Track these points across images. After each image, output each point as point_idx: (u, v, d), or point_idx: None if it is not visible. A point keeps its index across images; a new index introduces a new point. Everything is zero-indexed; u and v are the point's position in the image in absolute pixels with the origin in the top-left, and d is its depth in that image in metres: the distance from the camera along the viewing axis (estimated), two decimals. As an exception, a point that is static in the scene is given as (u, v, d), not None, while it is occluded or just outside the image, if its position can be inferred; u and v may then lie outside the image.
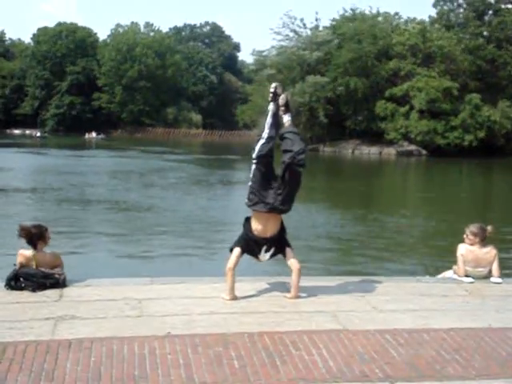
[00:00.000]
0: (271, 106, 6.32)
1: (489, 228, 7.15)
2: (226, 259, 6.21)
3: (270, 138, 6.11)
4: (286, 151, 6.08)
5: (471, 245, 7.11)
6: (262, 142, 6.09)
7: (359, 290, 6.52)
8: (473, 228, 7.12)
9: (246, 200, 6.13)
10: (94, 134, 78.39)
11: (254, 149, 6.12)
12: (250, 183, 6.12)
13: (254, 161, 6.08)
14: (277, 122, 6.23)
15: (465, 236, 7.18)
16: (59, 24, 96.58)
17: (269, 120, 6.19)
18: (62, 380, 4.14)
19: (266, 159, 6.06)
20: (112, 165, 38.62)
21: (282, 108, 6.32)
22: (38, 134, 78.00)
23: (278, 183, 6.02)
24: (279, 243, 6.15)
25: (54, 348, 4.63)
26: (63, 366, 4.33)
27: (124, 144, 62.48)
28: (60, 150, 52.06)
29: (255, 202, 6.03)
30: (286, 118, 6.33)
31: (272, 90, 6.35)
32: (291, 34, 66.00)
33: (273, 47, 66.41)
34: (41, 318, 5.31)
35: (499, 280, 7.05)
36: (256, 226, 6.08)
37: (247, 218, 6.20)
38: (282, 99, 6.32)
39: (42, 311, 5.48)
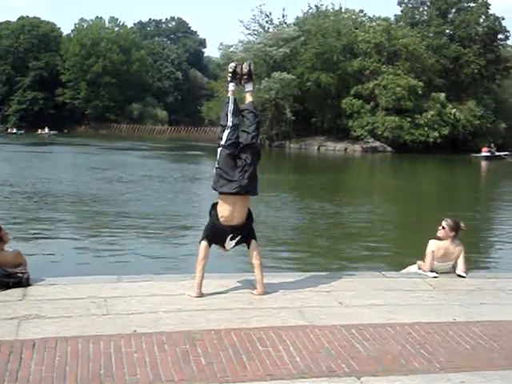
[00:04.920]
0: (231, 87, 6.32)
1: (462, 224, 7.28)
2: (192, 255, 6.20)
3: (234, 126, 6.11)
4: (243, 131, 6.14)
5: (443, 238, 7.21)
6: (227, 130, 6.08)
7: (325, 286, 6.56)
8: (451, 222, 7.23)
9: (213, 183, 6.12)
10: (46, 130, 76.55)
11: (220, 137, 6.12)
12: (216, 166, 6.10)
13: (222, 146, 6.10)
14: (237, 108, 6.23)
15: (440, 228, 7.26)
16: (21, 18, 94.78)
17: (230, 108, 6.18)
18: (26, 380, 4.07)
19: (234, 144, 6.07)
20: (73, 161, 38.16)
21: (245, 77, 6.31)
22: (14, 131, 76.45)
23: (242, 164, 6.02)
24: (246, 232, 6.13)
25: (18, 348, 4.56)
26: (27, 367, 4.26)
27: (85, 140, 61.65)
28: (17, 146, 51.16)
29: (222, 184, 6.01)
30: (248, 88, 6.31)
31: (231, 69, 6.33)
32: (259, 30, 66.12)
33: (240, 42, 66.37)
34: (4, 317, 5.21)
35: (464, 274, 7.16)
36: (223, 213, 6.03)
37: (214, 205, 6.16)
38: (244, 67, 6.30)
39: (6, 311, 5.38)
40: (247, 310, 5.65)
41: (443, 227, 7.24)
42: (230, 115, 6.13)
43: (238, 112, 6.20)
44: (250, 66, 6.34)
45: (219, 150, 6.10)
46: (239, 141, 6.09)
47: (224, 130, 6.10)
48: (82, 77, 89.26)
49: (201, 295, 6.01)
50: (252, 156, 6.07)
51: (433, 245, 7.21)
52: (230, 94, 6.29)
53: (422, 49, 59.61)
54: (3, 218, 14.72)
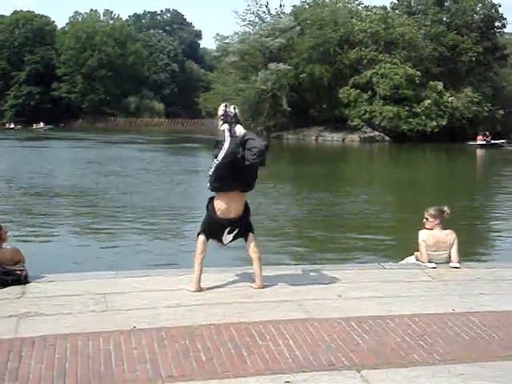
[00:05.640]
0: (224, 127, 6.11)
1: (446, 209, 7.26)
2: (191, 249, 6.20)
3: (233, 144, 5.97)
4: (252, 148, 5.97)
5: (431, 228, 7.21)
6: (224, 151, 5.91)
7: (324, 279, 6.55)
8: (431, 211, 7.23)
9: (208, 185, 6.08)
10: (41, 125, 76.27)
11: (216, 155, 5.95)
12: (211, 170, 6.00)
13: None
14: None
15: (424, 220, 7.28)
16: (16, 12, 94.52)
17: (227, 133, 6.03)
18: (26, 378, 4.06)
19: (231, 163, 5.91)
20: (69, 155, 38.07)
21: (233, 120, 6.18)
22: (12, 126, 76.27)
23: (240, 172, 5.92)
24: (243, 225, 6.12)
25: (18, 346, 4.55)
26: (27, 364, 4.26)
27: (81, 134, 61.47)
28: (14, 141, 51.10)
29: (217, 188, 6.00)
30: (239, 129, 6.14)
31: (222, 111, 6.16)
32: (255, 20, 65.98)
33: (236, 33, 66.23)
34: (3, 315, 5.21)
35: (458, 265, 7.14)
36: (219, 206, 6.02)
37: (211, 198, 6.14)
38: (230, 114, 6.18)
39: (5, 309, 5.38)
40: (246, 304, 5.65)
41: (426, 218, 7.25)
42: (227, 136, 5.98)
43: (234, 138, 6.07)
44: (234, 110, 6.19)
45: (214, 165, 5.95)
46: (247, 158, 5.91)
47: (220, 150, 5.94)
48: (78, 70, 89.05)
49: (199, 289, 6.01)
50: (256, 170, 6.03)
51: (423, 234, 7.21)
52: (226, 133, 6.07)
53: (419, 37, 59.46)
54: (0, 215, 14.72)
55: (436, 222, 7.19)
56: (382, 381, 4.13)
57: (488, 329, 5.13)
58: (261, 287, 6.13)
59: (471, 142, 51.31)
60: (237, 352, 4.54)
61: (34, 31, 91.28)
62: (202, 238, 6.06)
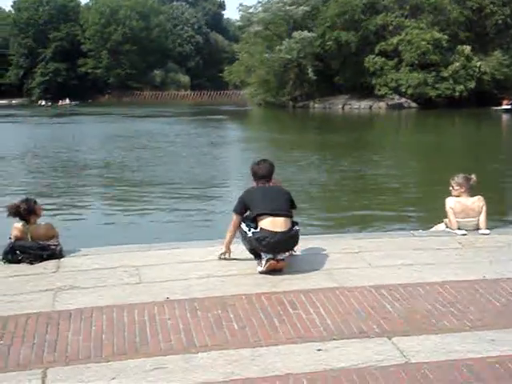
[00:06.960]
0: None
1: (473, 177, 7.20)
2: (222, 221, 6.26)
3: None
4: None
5: (458, 196, 7.17)
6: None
7: (354, 247, 6.57)
8: (457, 179, 7.18)
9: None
10: (67, 101, 76.85)
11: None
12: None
13: None
14: None
15: (450, 188, 7.23)
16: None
17: None
18: (64, 350, 4.18)
19: None
20: (97, 131, 38.28)
21: None
22: (43, 103, 77.03)
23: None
24: None
25: (55, 319, 4.67)
26: (65, 337, 4.37)
27: (108, 109, 61.66)
28: (43, 118, 51.63)
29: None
30: None
31: None
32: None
33: (259, 2, 65.58)
34: (40, 289, 5.34)
35: (487, 231, 7.10)
36: None
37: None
38: None
39: (41, 283, 5.51)
40: (276, 274, 5.70)
41: (452, 186, 7.20)
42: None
43: None
44: None
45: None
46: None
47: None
48: (103, 46, 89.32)
49: (229, 251, 6.09)
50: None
51: (449, 201, 7.16)
52: None
53: (446, 1, 58.14)
54: (32, 190, 14.97)
55: (462, 190, 7.15)
56: (412, 347, 4.16)
57: (519, 295, 5.12)
58: (290, 257, 6.17)
59: (496, 107, 49.95)
60: (268, 321, 4.61)
61: (58, 8, 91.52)
62: (237, 217, 6.01)
